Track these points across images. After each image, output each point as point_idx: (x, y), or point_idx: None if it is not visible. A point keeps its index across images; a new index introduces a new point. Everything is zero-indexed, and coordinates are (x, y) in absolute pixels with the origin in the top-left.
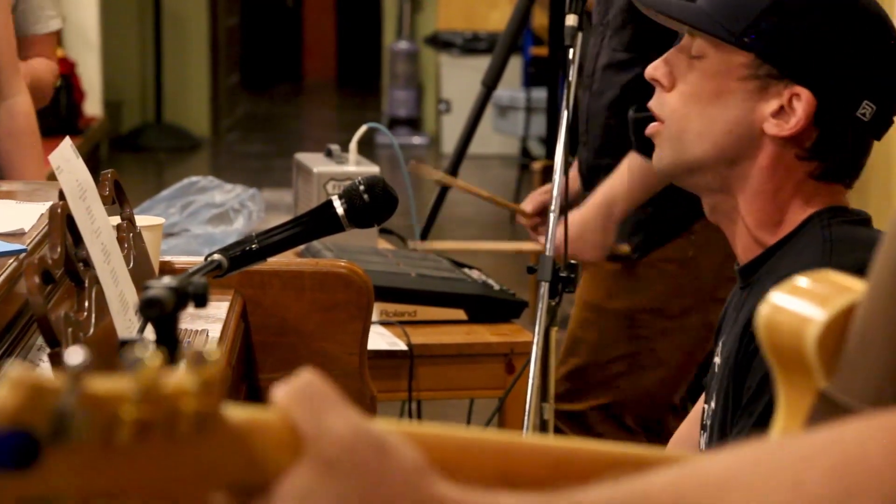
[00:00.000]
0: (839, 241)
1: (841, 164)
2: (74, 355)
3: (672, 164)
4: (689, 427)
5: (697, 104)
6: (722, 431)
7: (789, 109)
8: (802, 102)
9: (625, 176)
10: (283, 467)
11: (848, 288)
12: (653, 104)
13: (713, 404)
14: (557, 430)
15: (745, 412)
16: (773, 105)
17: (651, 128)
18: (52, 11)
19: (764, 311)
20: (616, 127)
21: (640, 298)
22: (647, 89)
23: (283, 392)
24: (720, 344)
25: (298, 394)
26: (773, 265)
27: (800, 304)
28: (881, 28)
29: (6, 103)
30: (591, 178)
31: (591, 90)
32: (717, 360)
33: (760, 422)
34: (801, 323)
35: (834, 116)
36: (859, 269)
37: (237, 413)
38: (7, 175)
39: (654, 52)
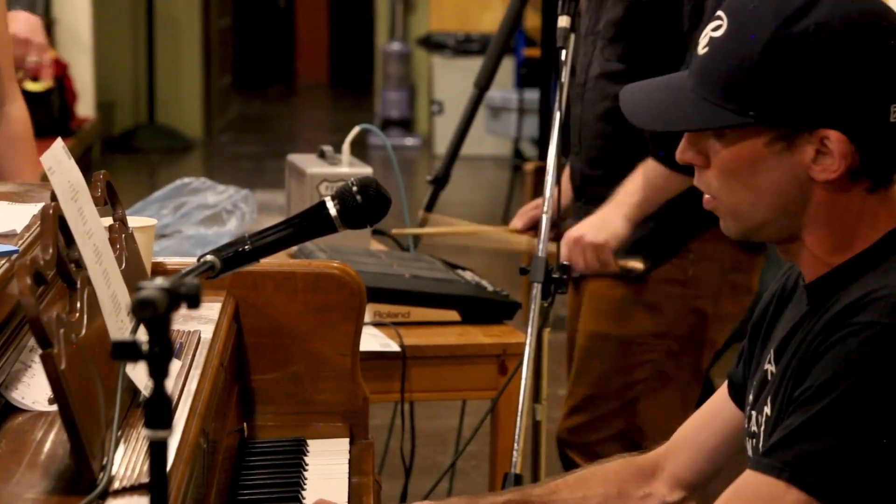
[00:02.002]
0: None
1: (892, 168)
2: None
3: (740, 232)
4: (698, 422)
5: (737, 178)
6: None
7: (825, 150)
8: (833, 142)
9: (640, 182)
10: None
11: None
12: (698, 183)
13: (767, 410)
14: (574, 466)
15: (800, 409)
16: (808, 153)
17: (707, 203)
18: None
19: None
20: (610, 138)
21: (647, 324)
22: None
23: None
24: (769, 352)
25: None
26: (852, 284)
27: None
28: (870, 33)
29: (2, 110)
30: (584, 188)
31: (582, 100)
32: (769, 367)
33: (813, 421)
34: None
35: (869, 137)
36: None
37: None
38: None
39: (648, 63)
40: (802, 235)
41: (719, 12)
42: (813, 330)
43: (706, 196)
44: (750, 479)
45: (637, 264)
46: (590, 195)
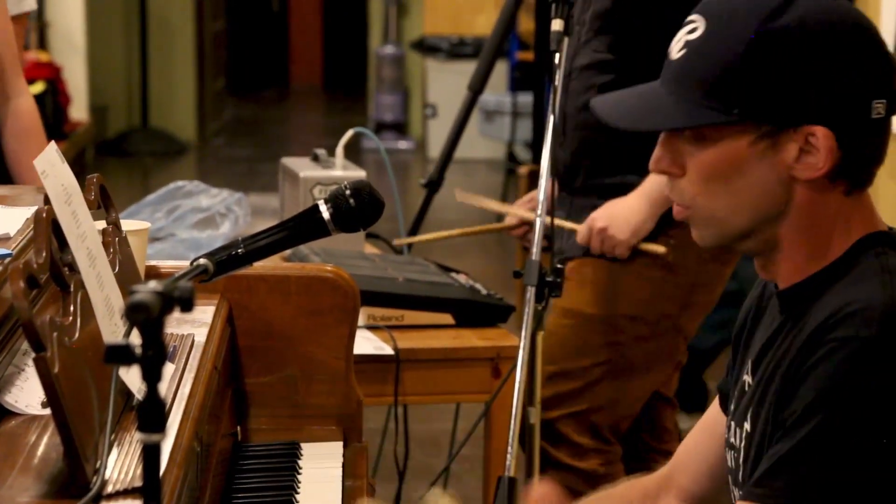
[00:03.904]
0: None
1: (871, 168)
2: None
3: (716, 241)
4: (699, 436)
5: (718, 182)
6: (759, 455)
7: (809, 147)
8: (819, 138)
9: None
10: None
11: None
12: (672, 193)
13: (748, 426)
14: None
15: (787, 434)
16: (792, 152)
17: (679, 213)
18: None
19: None
20: (593, 128)
21: (622, 305)
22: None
23: None
24: (748, 362)
25: None
26: (825, 294)
27: None
28: (848, 27)
29: (10, 104)
30: (568, 179)
31: (567, 90)
32: (746, 378)
33: (802, 446)
34: None
35: (853, 133)
36: None
37: None
38: (15, 175)
39: (636, 53)
40: (781, 243)
41: (692, 16)
42: (791, 346)
43: (677, 207)
44: None
45: (659, 248)
46: (574, 186)
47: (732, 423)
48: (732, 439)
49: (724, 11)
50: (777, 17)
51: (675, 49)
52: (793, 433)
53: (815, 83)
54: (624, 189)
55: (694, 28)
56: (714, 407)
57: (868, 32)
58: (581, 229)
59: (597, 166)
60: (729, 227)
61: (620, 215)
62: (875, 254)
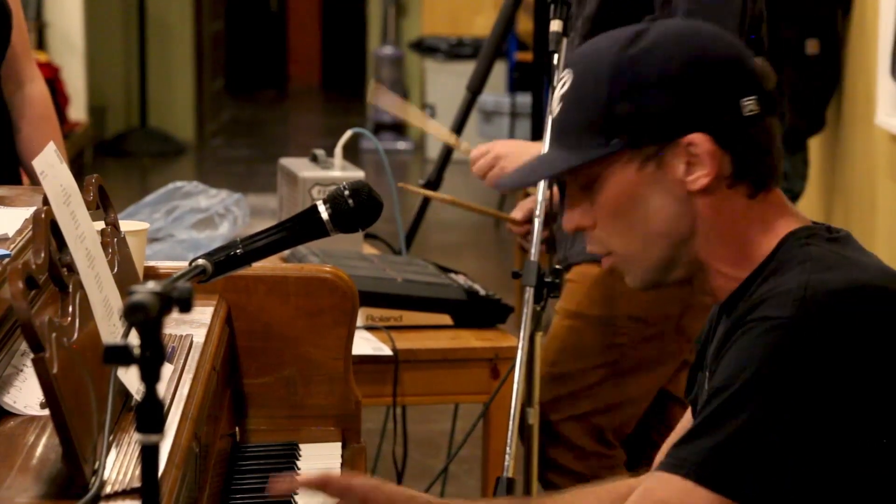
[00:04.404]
0: (817, 259)
1: (765, 166)
2: None
3: (647, 278)
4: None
5: (624, 220)
6: None
7: (693, 158)
8: (698, 144)
9: None
10: None
11: None
12: (592, 248)
13: None
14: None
15: (702, 410)
16: (679, 167)
17: (606, 263)
18: None
19: None
20: None
21: (623, 306)
22: None
23: None
24: (707, 370)
25: None
26: (755, 291)
27: None
28: (701, 39)
29: (24, 90)
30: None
31: None
32: (706, 388)
33: (711, 418)
34: None
35: (731, 133)
36: (836, 288)
37: None
38: (27, 160)
39: None
40: (704, 262)
41: (563, 72)
42: (727, 353)
43: (604, 258)
44: (654, 479)
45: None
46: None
47: None
48: None
49: (586, 55)
50: (632, 44)
51: (554, 108)
52: (705, 408)
53: (679, 96)
54: None
55: (564, 83)
56: (689, 414)
57: (721, 39)
58: (479, 148)
59: None
60: (648, 260)
61: (522, 153)
62: (800, 245)
